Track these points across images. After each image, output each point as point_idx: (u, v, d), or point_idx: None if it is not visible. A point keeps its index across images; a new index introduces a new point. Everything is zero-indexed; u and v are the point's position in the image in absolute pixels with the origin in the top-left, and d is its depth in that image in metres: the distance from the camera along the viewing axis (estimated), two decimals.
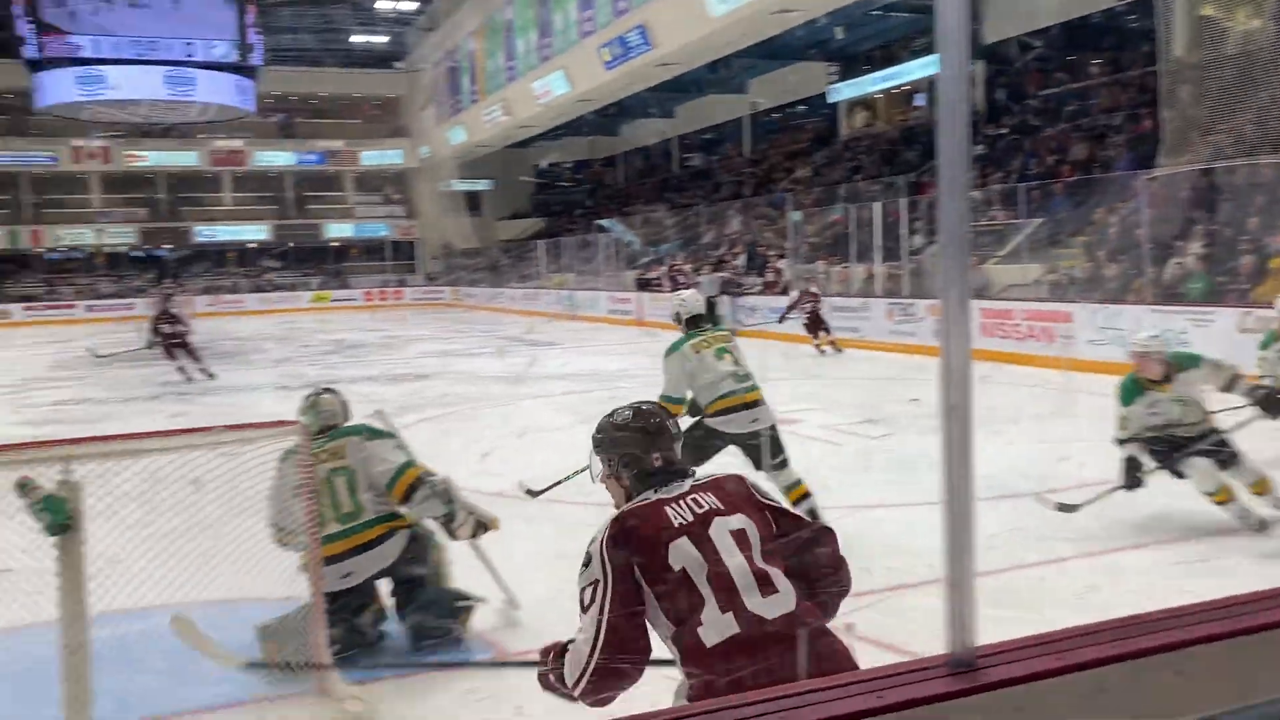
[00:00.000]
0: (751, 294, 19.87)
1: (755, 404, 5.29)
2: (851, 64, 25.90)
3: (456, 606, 4.18)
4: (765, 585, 2.06)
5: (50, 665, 3.16)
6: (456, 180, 39.97)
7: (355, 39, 39.97)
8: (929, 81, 22.17)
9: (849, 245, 18.43)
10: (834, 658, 2.04)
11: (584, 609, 2.10)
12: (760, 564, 2.09)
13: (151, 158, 39.58)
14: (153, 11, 32.61)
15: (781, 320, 15.74)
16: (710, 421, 5.25)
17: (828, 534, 2.26)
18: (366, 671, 3.82)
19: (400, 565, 4.10)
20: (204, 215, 41.37)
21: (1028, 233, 16.09)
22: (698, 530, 2.11)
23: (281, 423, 3.74)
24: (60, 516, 3.21)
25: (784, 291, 18.95)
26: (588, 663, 2.06)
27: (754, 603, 2.03)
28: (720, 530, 2.11)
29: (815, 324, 15.15)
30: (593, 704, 2.12)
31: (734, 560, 2.08)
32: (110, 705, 3.33)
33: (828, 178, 24.60)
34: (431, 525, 4.25)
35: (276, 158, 41.38)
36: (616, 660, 2.05)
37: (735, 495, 2.22)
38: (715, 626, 2.01)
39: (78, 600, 3.20)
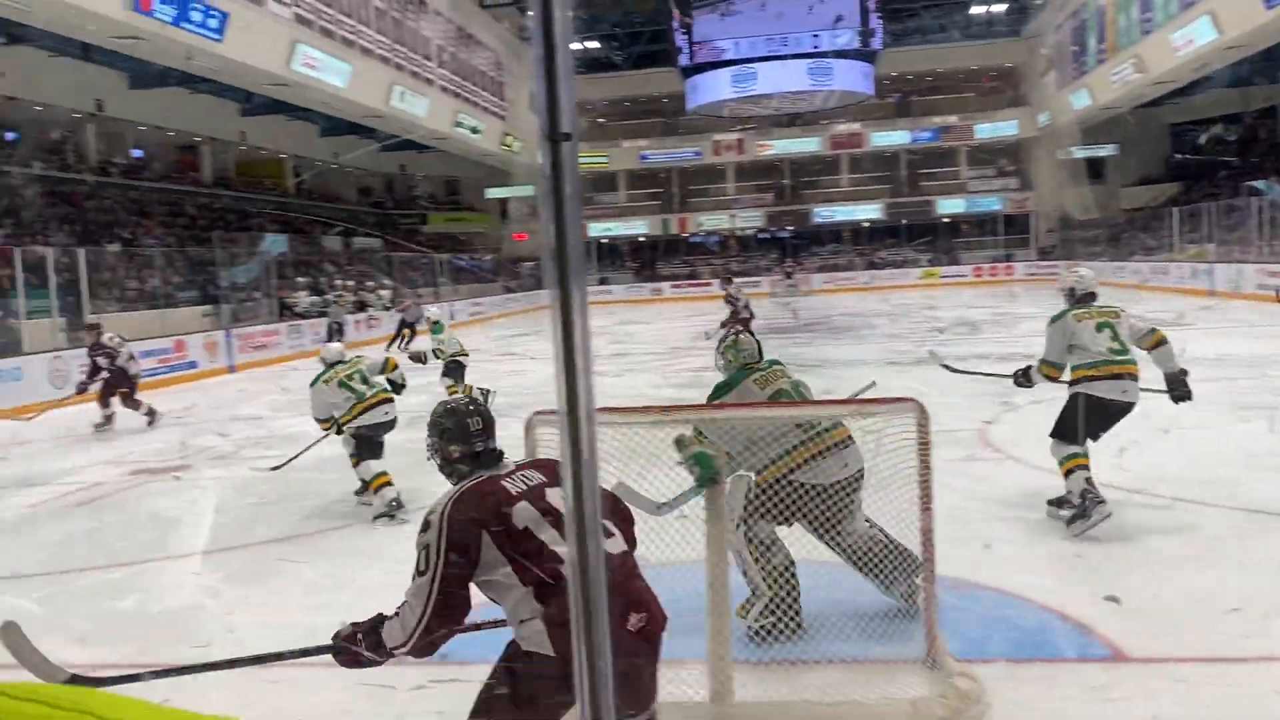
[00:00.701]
0: None
1: (1124, 376, 5.53)
2: None
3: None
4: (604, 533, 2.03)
5: (691, 601, 3.63)
6: (1077, 147, 37.46)
7: (975, 10, 39.28)
8: None
9: None
10: (649, 591, 2.59)
11: (419, 572, 2.44)
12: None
13: (778, 146, 42.86)
14: (785, 8, 35.24)
15: None
16: (1078, 387, 5.59)
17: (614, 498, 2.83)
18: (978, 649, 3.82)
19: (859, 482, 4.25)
20: (822, 197, 43.85)
21: None
22: (534, 497, 2.54)
23: (900, 399, 3.86)
24: (709, 470, 3.67)
25: None
26: (419, 620, 2.44)
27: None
28: (554, 496, 2.54)
29: None
30: (418, 655, 2.53)
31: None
32: (739, 642, 3.74)
33: None
34: None
35: (891, 137, 42.31)
36: (445, 618, 2.45)
37: (557, 470, 2.39)
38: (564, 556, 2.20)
39: (720, 544, 3.63)
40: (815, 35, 35.75)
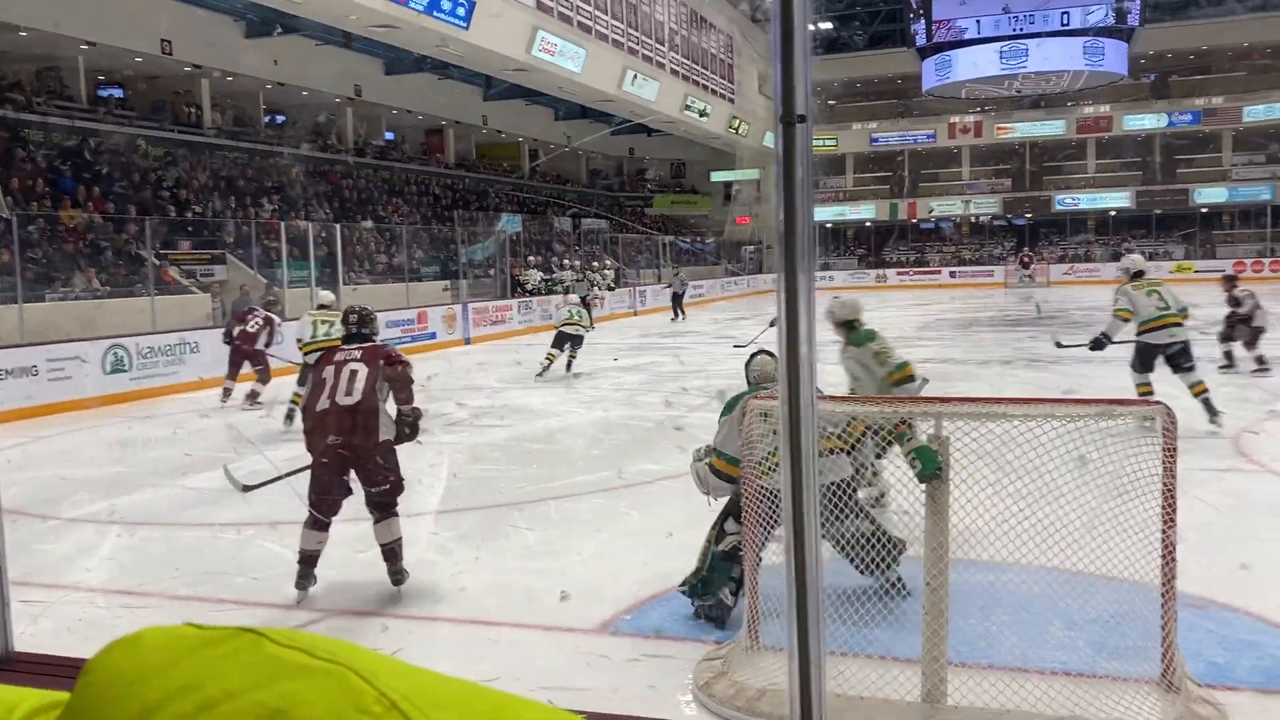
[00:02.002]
0: None
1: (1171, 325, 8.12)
2: None
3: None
4: (350, 393, 4.79)
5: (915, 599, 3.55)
6: None
7: None
8: None
9: None
10: (370, 415, 4.83)
11: None
12: (353, 383, 4.83)
13: (1020, 129, 40.75)
14: None
15: None
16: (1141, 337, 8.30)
17: (403, 364, 5.01)
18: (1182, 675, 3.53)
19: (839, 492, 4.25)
20: (1065, 183, 41.38)
21: None
22: (340, 364, 4.93)
23: (1145, 401, 3.61)
24: (931, 466, 3.56)
25: None
26: None
27: (340, 398, 4.79)
28: (347, 367, 4.89)
29: None
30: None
31: (343, 380, 4.84)
32: (961, 643, 3.62)
33: None
34: None
35: (1144, 121, 39.35)
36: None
37: (370, 354, 5.00)
38: (321, 405, 4.81)
39: (941, 541, 3.52)
40: (1065, 12, 33.68)
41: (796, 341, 1.70)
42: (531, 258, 25.41)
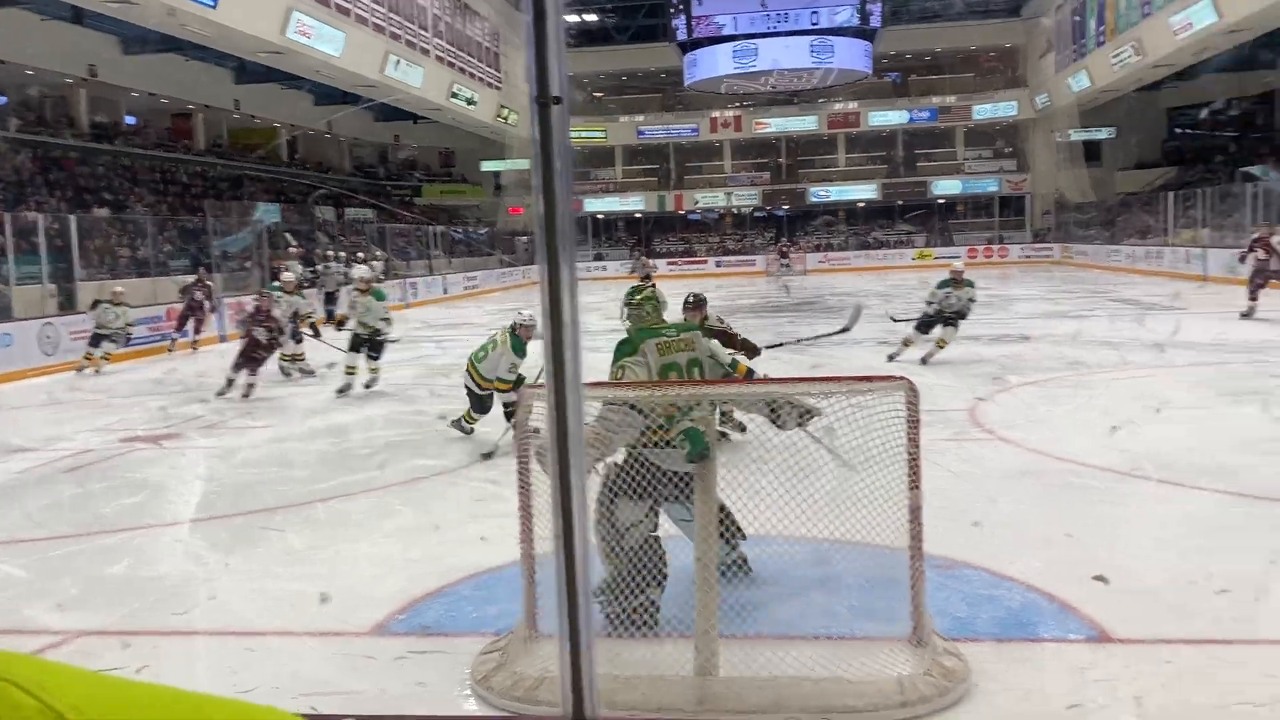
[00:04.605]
0: None
1: None
2: None
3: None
4: None
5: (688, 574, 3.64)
6: (1075, 130, 37.38)
7: None
8: None
9: None
10: None
11: None
12: None
13: (776, 124, 42.65)
14: None
15: None
16: None
17: None
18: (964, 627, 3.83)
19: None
20: (818, 176, 43.72)
21: None
22: None
23: (889, 377, 3.85)
24: (699, 445, 3.66)
25: None
26: None
27: None
28: None
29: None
30: None
31: None
32: (729, 613, 3.75)
33: None
34: None
35: (888, 117, 42.15)
36: None
37: None
38: None
39: (710, 519, 3.63)
40: (814, 12, 35.51)
41: (560, 325, 1.69)
42: (292, 249, 24.29)
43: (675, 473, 3.97)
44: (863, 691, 3.35)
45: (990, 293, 23.93)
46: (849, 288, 27.27)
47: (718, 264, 39.52)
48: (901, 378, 3.81)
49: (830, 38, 35.29)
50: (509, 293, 31.91)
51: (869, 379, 3.96)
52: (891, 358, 11.32)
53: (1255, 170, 26.37)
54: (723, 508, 4.13)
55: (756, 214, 44.36)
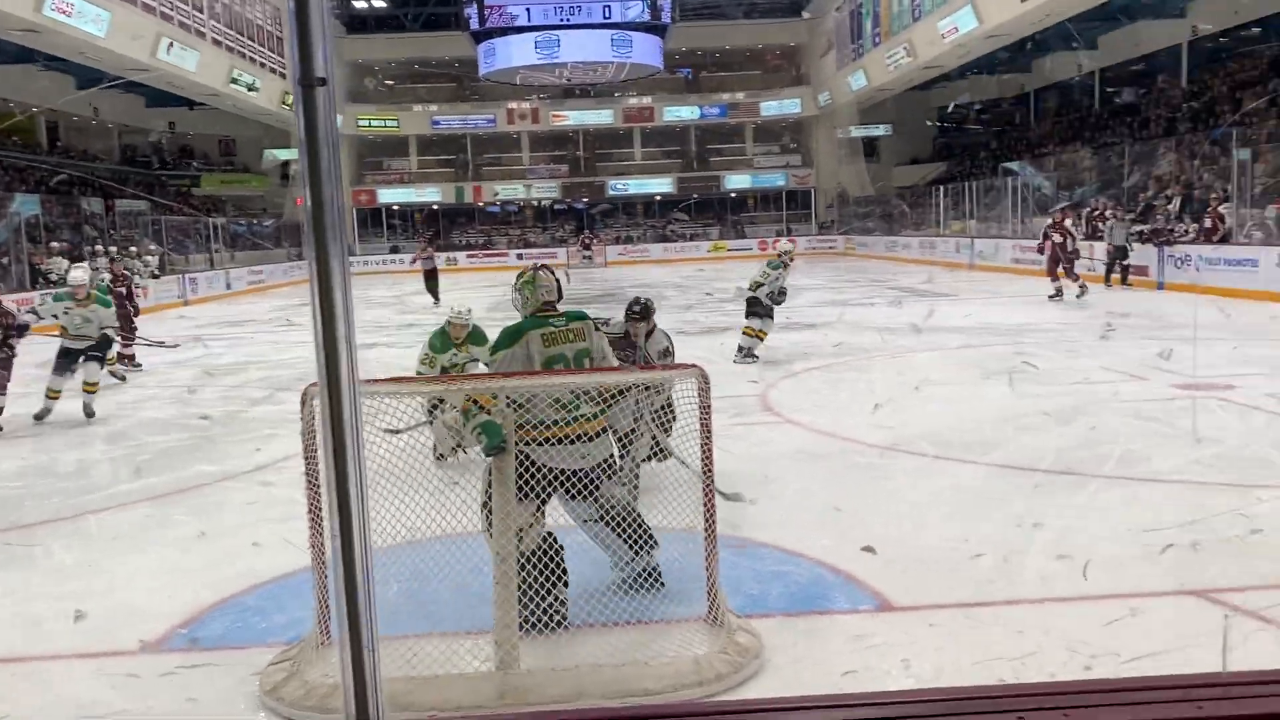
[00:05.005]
0: (1182, 242, 17.80)
1: None
2: None
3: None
4: None
5: (488, 569, 3.60)
6: (855, 127, 39.42)
7: None
8: None
9: None
10: None
11: None
12: None
13: (573, 117, 42.83)
14: None
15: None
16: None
17: None
18: (757, 604, 3.96)
19: (604, 471, 4.03)
20: (616, 170, 44.22)
21: None
22: None
23: (684, 366, 3.94)
24: (495, 439, 3.63)
25: (1224, 240, 16.84)
26: None
27: None
28: None
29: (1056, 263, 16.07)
30: None
31: None
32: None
33: None
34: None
35: (681, 112, 43.09)
36: None
37: None
38: None
39: (507, 513, 3.60)
40: (607, 6, 35.82)
41: (333, 320, 1.62)
42: (55, 244, 22.44)
43: (564, 471, 3.87)
44: (661, 674, 3.42)
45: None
46: (648, 280, 27.74)
47: (519, 256, 39.31)
48: (693, 365, 3.90)
49: (623, 32, 35.70)
50: (298, 288, 30.64)
51: (666, 367, 4.05)
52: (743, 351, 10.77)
53: (1014, 166, 28.60)
54: (633, 514, 4.09)
55: (557, 206, 44.43)
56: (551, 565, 3.84)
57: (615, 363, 4.47)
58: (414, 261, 26.08)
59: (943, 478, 5.98)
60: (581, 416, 3.91)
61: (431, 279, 21.96)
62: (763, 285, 10.67)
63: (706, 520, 3.77)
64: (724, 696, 3.29)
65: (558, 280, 4.31)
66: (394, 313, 19.25)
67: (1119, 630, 3.67)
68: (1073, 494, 5.44)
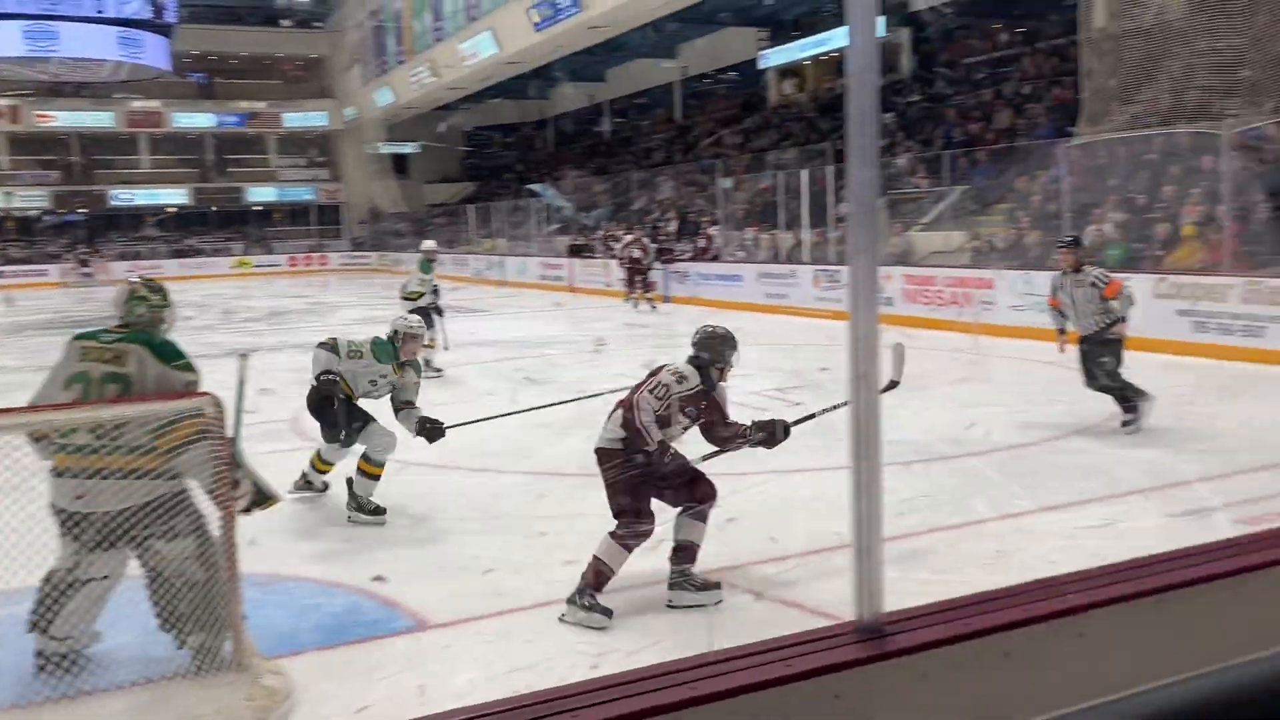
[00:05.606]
0: (683, 260, 19.88)
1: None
2: (781, 30, 25.86)
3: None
4: None
5: None
6: (383, 143, 39.23)
7: None
8: None
9: (777, 212, 18.53)
10: None
11: None
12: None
13: (63, 118, 38.10)
14: None
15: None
16: None
17: None
18: (288, 644, 3.76)
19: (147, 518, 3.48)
20: (120, 178, 40.02)
21: (951, 200, 16.32)
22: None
23: (193, 393, 3.62)
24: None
25: (715, 258, 19.10)
26: None
27: None
28: None
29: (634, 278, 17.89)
30: None
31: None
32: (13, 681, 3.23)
33: (756, 144, 24.63)
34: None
35: (195, 119, 40.13)
36: None
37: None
38: None
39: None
40: None
41: None
42: None
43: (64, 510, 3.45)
44: None
45: (312, 300, 24.12)
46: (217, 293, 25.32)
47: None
48: (209, 393, 3.60)
49: (122, 29, 32.39)
50: None
51: (170, 396, 3.67)
52: None
53: (536, 188, 30.19)
54: (187, 584, 3.52)
55: (47, 218, 39.15)
56: (54, 600, 3.44)
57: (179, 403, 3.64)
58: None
59: (488, 490, 6.12)
60: (72, 449, 3.44)
61: None
62: (424, 294, 10.71)
63: (228, 559, 3.48)
64: None
65: (168, 308, 3.90)
66: None
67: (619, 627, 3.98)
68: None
